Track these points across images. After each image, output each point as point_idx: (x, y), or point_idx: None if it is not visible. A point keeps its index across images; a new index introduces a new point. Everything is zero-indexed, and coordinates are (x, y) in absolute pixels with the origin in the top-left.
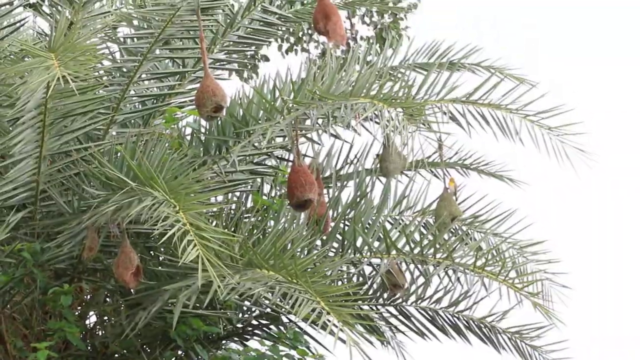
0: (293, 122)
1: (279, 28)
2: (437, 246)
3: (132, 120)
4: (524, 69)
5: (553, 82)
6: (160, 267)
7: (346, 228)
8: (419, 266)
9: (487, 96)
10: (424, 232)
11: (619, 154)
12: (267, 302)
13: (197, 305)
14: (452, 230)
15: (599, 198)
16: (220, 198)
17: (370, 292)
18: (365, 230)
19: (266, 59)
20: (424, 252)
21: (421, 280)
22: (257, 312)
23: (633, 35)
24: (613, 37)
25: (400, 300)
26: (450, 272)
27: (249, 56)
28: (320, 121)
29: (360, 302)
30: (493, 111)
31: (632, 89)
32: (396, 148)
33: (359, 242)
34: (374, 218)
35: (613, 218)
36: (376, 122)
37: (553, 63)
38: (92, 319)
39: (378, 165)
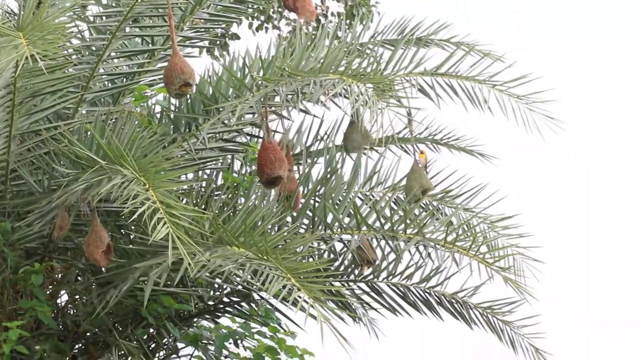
0: (262, 99)
1: (249, 6)
2: (408, 222)
3: (102, 99)
4: (509, 51)
5: (541, 67)
6: (130, 245)
7: (317, 205)
8: (390, 242)
9: (456, 68)
10: (395, 207)
11: (604, 137)
12: (238, 279)
13: (168, 283)
14: (422, 205)
15: (570, 172)
16: (190, 176)
17: (342, 268)
18: (336, 207)
19: (236, 37)
20: (395, 228)
21: (392, 256)
22: (228, 289)
23: (622, 20)
24: (601, 22)
25: (371, 276)
26: (421, 247)
27: (219, 34)
28: (289, 98)
29: (331, 278)
30: (462, 82)
31: (620, 74)
32: (361, 125)
33: (329, 219)
34: (344, 194)
35: (586, 193)
36: (346, 98)
37: (541, 48)
38: (64, 297)
39: (345, 142)
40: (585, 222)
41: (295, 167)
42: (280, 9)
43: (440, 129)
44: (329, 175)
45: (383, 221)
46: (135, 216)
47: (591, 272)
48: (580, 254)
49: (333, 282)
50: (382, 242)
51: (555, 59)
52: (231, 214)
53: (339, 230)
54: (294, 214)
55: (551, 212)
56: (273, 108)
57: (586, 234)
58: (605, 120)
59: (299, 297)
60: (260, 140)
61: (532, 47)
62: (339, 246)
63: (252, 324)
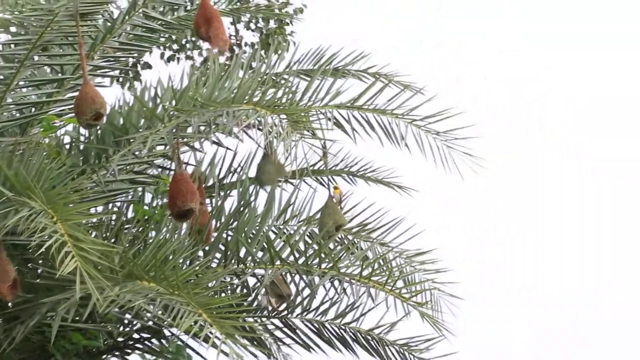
0: (174, 130)
1: (161, 35)
2: (322, 256)
3: (9, 129)
4: (413, 75)
5: (463, 101)
6: (38, 280)
7: (229, 238)
8: (304, 277)
9: (373, 101)
10: (309, 241)
11: (598, 139)
12: (148, 314)
13: (77, 318)
14: (337, 239)
15: (490, 205)
16: (100, 208)
17: (255, 303)
18: (249, 240)
19: (148, 66)
20: (309, 262)
21: (307, 291)
22: (139, 325)
23: (617, 22)
24: (596, 24)
25: (285, 312)
26: (336, 282)
27: (130, 63)
28: (202, 129)
29: (244, 314)
30: (378, 116)
31: (615, 76)
32: (274, 157)
33: (242, 253)
34: (257, 228)
35: (506, 225)
36: (259, 129)
37: (534, 50)
38: None
39: (258, 175)
40: (509, 254)
41: (207, 200)
42: (193, 39)
43: (356, 160)
44: (242, 208)
45: (297, 255)
46: (42, 249)
47: (514, 305)
48: (503, 286)
49: (246, 318)
50: (297, 277)
51: (549, 61)
52: (141, 247)
53: (252, 264)
54: (206, 247)
55: (472, 247)
56: (185, 139)
57: (510, 266)
58: (597, 122)
59: (211, 333)
60: (172, 172)
61: (525, 49)
62: (252, 281)
63: None
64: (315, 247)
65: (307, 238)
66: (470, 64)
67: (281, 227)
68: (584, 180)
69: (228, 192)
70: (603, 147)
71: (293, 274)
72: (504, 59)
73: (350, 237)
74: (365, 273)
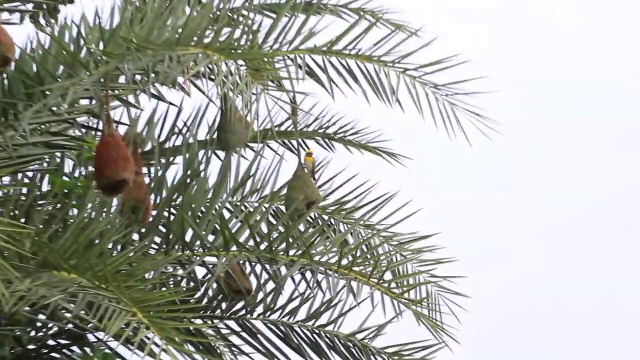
0: (102, 80)
1: None
2: (291, 240)
3: None
4: (407, 12)
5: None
6: None
7: (172, 217)
8: (267, 266)
9: (356, 45)
10: (274, 222)
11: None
12: (67, 314)
13: None
14: (309, 219)
15: (505, 179)
16: (6, 179)
17: (205, 300)
18: (197, 220)
19: (70, 0)
20: (274, 248)
21: (271, 285)
22: (55, 328)
23: None
24: None
25: (243, 311)
26: (308, 274)
27: None
28: (138, 78)
29: (190, 313)
30: (363, 64)
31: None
32: (238, 113)
33: (188, 236)
34: (208, 204)
35: (526, 202)
36: (211, 79)
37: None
38: None
39: (215, 136)
40: (527, 243)
41: (144, 169)
42: None
43: (334, 120)
44: (189, 180)
45: (259, 239)
46: None
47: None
48: (518, 281)
49: (193, 319)
50: (258, 267)
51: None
52: (60, 229)
53: (202, 251)
54: (143, 229)
55: (483, 232)
56: (116, 92)
57: (528, 257)
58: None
59: (148, 337)
60: (99, 134)
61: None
62: (201, 272)
63: None
64: (282, 229)
65: (271, 217)
66: None
67: (238, 203)
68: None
69: (171, 159)
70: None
71: (253, 263)
72: (431, 31)
73: (325, 217)
74: (344, 262)
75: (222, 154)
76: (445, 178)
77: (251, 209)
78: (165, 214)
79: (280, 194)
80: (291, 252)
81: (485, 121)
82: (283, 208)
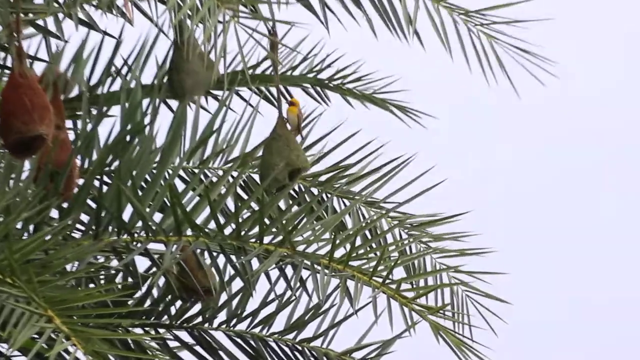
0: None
1: None
2: (266, 223)
3: None
4: None
5: None
6: None
7: (105, 189)
8: (234, 258)
9: None
10: (244, 196)
11: None
12: None
13: None
14: (293, 193)
15: (558, 142)
16: None
17: (147, 303)
18: (140, 193)
19: None
20: (243, 233)
21: (238, 284)
22: None
23: None
24: None
25: (199, 318)
26: (288, 269)
27: None
28: None
29: (126, 320)
30: None
31: None
32: (198, 49)
33: (127, 214)
34: (156, 172)
35: (582, 176)
36: (162, 2)
37: None
38: None
39: (166, 80)
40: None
41: (69, 123)
42: None
43: (329, 60)
44: (128, 138)
45: (223, 221)
46: None
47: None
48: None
49: (130, 327)
50: (221, 258)
51: None
52: None
53: (144, 235)
54: (64, 204)
55: (525, 214)
56: (31, 15)
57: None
58: None
59: (67, 352)
60: (7, 72)
61: None
62: (143, 263)
63: None
64: (254, 206)
65: (240, 191)
66: None
67: (196, 170)
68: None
69: (105, 109)
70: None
71: (215, 253)
72: None
73: (315, 190)
74: (339, 254)
75: (175, 103)
76: (478, 142)
77: (213, 179)
78: (96, 183)
79: (253, 159)
80: (266, 239)
81: (537, 60)
82: (257, 178)
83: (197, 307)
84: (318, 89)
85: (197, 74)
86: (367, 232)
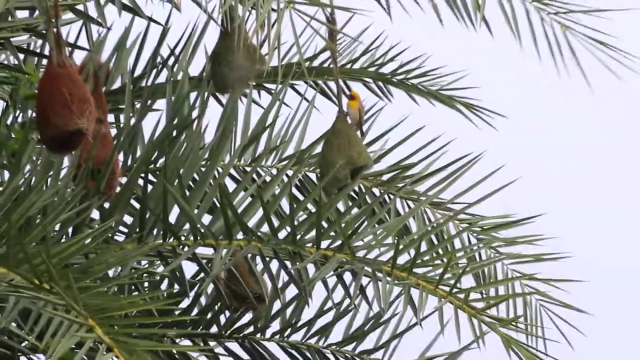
0: None
1: None
2: (324, 226)
3: None
4: None
5: None
6: None
7: (150, 188)
8: (289, 264)
9: None
10: (300, 197)
11: None
12: None
13: None
14: (353, 194)
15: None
16: None
17: (195, 311)
18: (187, 194)
19: None
20: (299, 238)
21: (292, 291)
22: None
23: None
24: None
25: (251, 328)
26: (347, 275)
27: None
28: None
29: (173, 330)
30: None
31: None
32: (246, 39)
33: (173, 216)
34: (205, 170)
35: None
36: None
37: None
38: None
39: (210, 72)
40: None
41: (111, 117)
42: None
43: (392, 53)
44: (175, 133)
45: (277, 224)
46: None
47: None
48: None
49: (176, 338)
50: (274, 264)
51: None
52: None
53: (192, 239)
54: (106, 204)
55: (607, 217)
56: (70, 1)
57: None
58: None
59: None
60: (45, 62)
61: None
62: (190, 269)
63: None
64: (311, 208)
65: (295, 191)
66: None
67: (248, 169)
68: None
69: (150, 102)
70: None
71: (268, 259)
72: None
73: (376, 190)
74: (402, 260)
75: (225, 96)
76: (552, 142)
77: (267, 178)
78: (141, 182)
79: (310, 157)
80: (324, 244)
81: (616, 55)
82: (314, 177)
83: (249, 317)
84: (380, 83)
85: (241, 68)
86: (432, 237)
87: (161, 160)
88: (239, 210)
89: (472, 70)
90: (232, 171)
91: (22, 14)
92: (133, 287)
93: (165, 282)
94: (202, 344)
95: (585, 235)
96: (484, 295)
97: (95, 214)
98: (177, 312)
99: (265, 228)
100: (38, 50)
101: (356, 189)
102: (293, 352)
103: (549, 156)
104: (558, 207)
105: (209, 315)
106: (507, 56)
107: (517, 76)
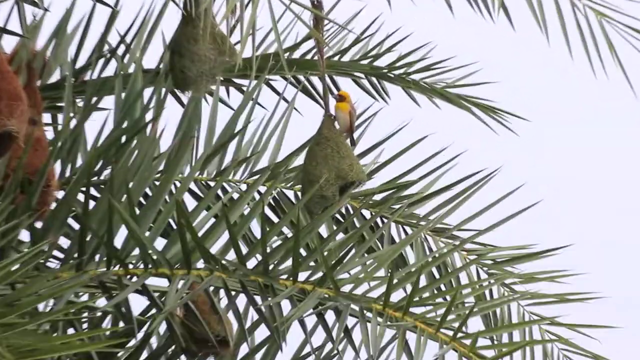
0: None
1: None
2: (302, 254)
3: None
4: None
5: None
6: None
7: (93, 204)
8: (259, 299)
9: None
10: (274, 219)
11: None
12: None
13: None
14: (339, 216)
15: None
16: None
17: (145, 355)
18: (138, 212)
19: None
20: (271, 267)
21: (264, 332)
22: None
23: None
24: None
25: None
26: (330, 315)
27: None
28: None
29: None
30: None
31: None
32: (213, 26)
33: (120, 239)
34: (159, 184)
35: None
36: None
37: None
38: None
39: (169, 64)
40: None
41: (47, 117)
42: None
43: (389, 44)
44: (125, 139)
45: (246, 251)
46: None
47: None
48: None
49: None
50: (242, 299)
51: None
52: None
53: (143, 266)
54: (38, 223)
55: None
56: None
57: None
58: None
59: None
60: None
61: None
62: (140, 304)
63: None
64: (288, 232)
65: (269, 211)
66: None
67: (212, 183)
68: None
69: (94, 99)
70: None
71: (234, 292)
72: None
73: (366, 212)
74: (396, 297)
75: (186, 95)
76: (584, 149)
77: (235, 195)
78: (81, 197)
79: (287, 170)
80: (302, 276)
81: None
82: (291, 194)
83: None
84: (374, 79)
85: (207, 61)
86: (434, 270)
87: (107, 171)
88: (200, 234)
89: (487, 63)
90: (193, 186)
91: None
92: (69, 324)
93: (109, 319)
94: None
95: (621, 270)
96: (495, 342)
97: (24, 235)
98: (121, 355)
99: (231, 255)
100: None
101: (343, 210)
102: None
103: (576, 166)
104: (587, 235)
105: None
106: (530, 44)
107: (541, 69)
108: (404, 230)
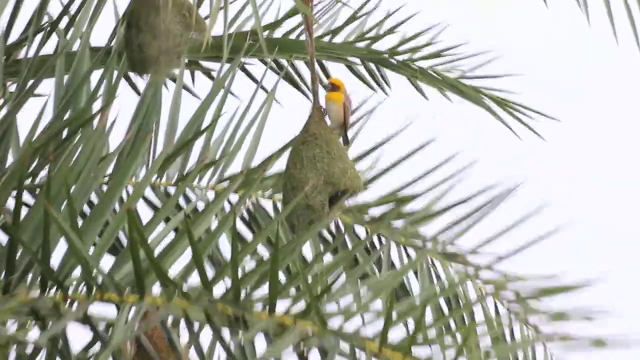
0: None
1: None
2: (280, 279)
3: None
4: None
5: None
6: None
7: (25, 213)
8: (229, 334)
9: None
10: (248, 235)
11: None
12: None
13: None
14: (327, 233)
15: None
16: None
17: None
18: (81, 223)
19: None
20: (243, 295)
21: None
22: None
23: None
24: None
25: None
26: (314, 354)
27: None
28: None
29: None
30: None
31: None
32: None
33: (58, 257)
34: (107, 189)
35: None
36: None
37: None
38: None
39: (123, 42)
40: None
41: None
42: None
43: (391, 24)
44: (66, 132)
45: (212, 273)
46: None
47: None
48: None
49: None
50: (206, 334)
51: None
52: None
53: (86, 290)
54: None
55: None
56: None
57: None
58: None
59: None
60: None
61: None
62: (81, 337)
63: None
64: (265, 252)
65: (241, 225)
66: None
67: (172, 190)
68: None
69: (30, 83)
70: None
71: (198, 324)
72: None
73: (362, 229)
74: (396, 334)
75: (144, 80)
76: (627, 161)
77: (200, 205)
78: (11, 203)
79: (264, 174)
80: (280, 306)
81: None
82: (269, 205)
83: None
84: (372, 66)
85: (169, 37)
86: (442, 302)
87: (43, 172)
88: (157, 252)
89: (511, 51)
90: (149, 192)
91: None
92: None
93: (43, 354)
94: None
95: None
96: None
97: None
98: None
99: (194, 279)
100: None
101: (332, 226)
102: None
103: (617, 177)
104: (633, 263)
105: None
106: (565, 26)
107: (580, 58)
108: (406, 252)
